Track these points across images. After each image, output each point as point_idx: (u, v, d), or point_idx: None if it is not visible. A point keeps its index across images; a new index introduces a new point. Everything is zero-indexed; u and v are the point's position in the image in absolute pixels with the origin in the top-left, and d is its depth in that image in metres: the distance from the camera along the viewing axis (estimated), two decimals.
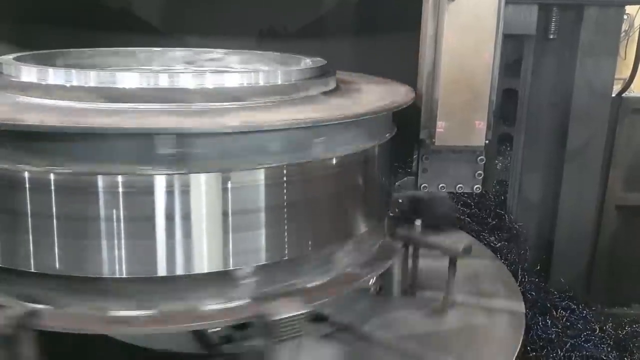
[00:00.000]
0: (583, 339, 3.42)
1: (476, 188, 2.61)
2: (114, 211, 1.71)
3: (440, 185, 2.61)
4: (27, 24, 3.68)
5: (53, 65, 2.31)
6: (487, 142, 2.50)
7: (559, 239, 3.93)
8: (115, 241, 1.73)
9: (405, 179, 2.63)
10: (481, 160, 2.57)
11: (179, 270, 1.77)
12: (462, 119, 2.46)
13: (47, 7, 3.59)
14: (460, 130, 2.47)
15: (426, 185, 2.60)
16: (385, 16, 3.86)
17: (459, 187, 2.61)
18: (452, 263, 2.40)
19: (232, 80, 1.99)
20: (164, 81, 1.92)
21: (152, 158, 1.72)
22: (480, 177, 2.60)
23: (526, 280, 3.70)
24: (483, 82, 2.43)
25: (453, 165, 2.58)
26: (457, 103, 2.44)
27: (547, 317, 3.52)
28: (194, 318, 1.82)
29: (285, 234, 1.86)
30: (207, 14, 3.76)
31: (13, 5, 3.65)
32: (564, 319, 3.55)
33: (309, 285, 1.96)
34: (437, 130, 2.45)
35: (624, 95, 3.97)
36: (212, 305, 1.84)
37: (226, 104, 1.92)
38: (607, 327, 3.63)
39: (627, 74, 4.11)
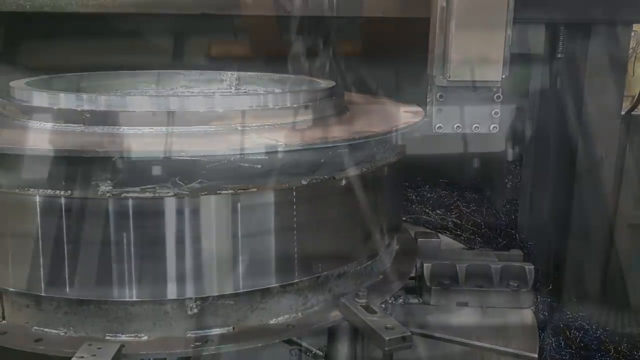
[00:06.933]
0: None
1: (493, 127, 2.51)
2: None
3: (456, 125, 2.50)
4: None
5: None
6: (503, 77, 2.40)
7: (570, 258, 3.89)
8: None
9: (419, 120, 2.43)
10: (498, 98, 2.46)
11: None
12: (477, 52, 2.37)
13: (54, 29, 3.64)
14: (475, 64, 2.39)
15: (441, 125, 2.50)
16: (391, 37, 3.88)
17: (475, 127, 2.50)
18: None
19: (242, 104, 2.02)
20: (174, 105, 1.94)
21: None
22: (497, 116, 2.49)
23: (538, 300, 3.66)
24: (499, 13, 2.35)
25: (469, 104, 2.48)
26: (472, 36, 2.36)
27: (561, 338, 3.47)
28: None
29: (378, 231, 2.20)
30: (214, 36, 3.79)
31: (18, 28, 3.70)
32: (578, 340, 3.51)
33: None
34: (452, 64, 2.37)
35: (633, 113, 3.96)
36: None
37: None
38: (622, 347, 3.58)
39: (635, 91, 4.10)
